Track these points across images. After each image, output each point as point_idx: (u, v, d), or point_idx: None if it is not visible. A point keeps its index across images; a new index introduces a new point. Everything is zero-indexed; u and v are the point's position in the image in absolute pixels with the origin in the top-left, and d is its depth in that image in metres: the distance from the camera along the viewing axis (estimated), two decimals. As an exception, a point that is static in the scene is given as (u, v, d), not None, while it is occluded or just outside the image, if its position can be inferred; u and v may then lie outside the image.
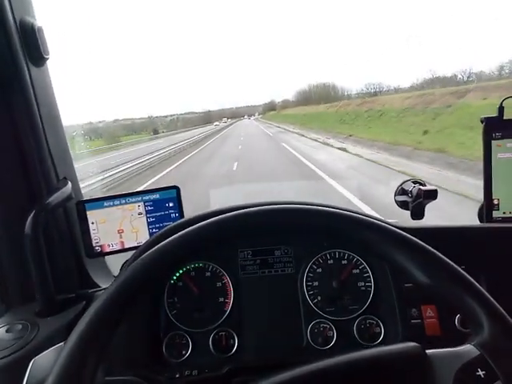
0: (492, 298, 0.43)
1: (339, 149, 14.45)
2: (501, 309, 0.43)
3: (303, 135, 24.10)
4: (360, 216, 0.51)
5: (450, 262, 0.46)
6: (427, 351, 0.43)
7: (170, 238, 0.52)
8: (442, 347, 0.45)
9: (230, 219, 0.54)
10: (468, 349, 0.43)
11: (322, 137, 20.12)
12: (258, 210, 0.54)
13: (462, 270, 0.45)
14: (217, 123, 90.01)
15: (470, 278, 0.45)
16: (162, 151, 17.86)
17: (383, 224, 0.50)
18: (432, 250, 0.47)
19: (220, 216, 0.54)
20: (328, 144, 16.79)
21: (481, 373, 0.41)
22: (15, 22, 0.75)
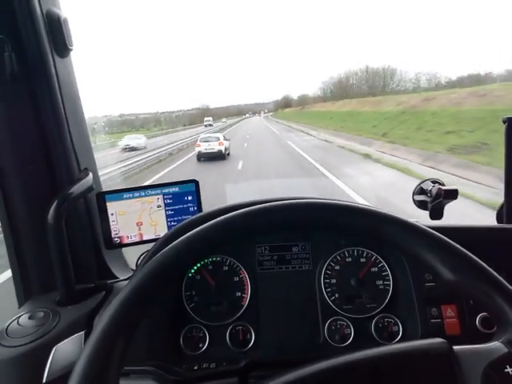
0: None
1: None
2: None
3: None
4: (387, 213, 0.51)
5: (476, 258, 0.46)
6: (454, 347, 0.43)
7: (188, 233, 0.52)
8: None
9: (256, 212, 0.54)
10: (496, 346, 0.43)
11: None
12: (279, 204, 0.54)
13: (489, 268, 0.45)
14: (208, 122, 60.46)
15: (498, 275, 0.45)
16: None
17: (410, 221, 0.50)
18: (458, 246, 0.47)
19: (245, 209, 0.54)
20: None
21: (509, 370, 0.40)
22: (42, 12, 0.76)
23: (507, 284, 0.44)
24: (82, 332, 0.74)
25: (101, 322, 0.43)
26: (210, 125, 55.87)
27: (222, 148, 14.24)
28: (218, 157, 14.06)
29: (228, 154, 14.85)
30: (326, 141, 19.38)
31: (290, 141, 20.54)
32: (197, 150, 14.55)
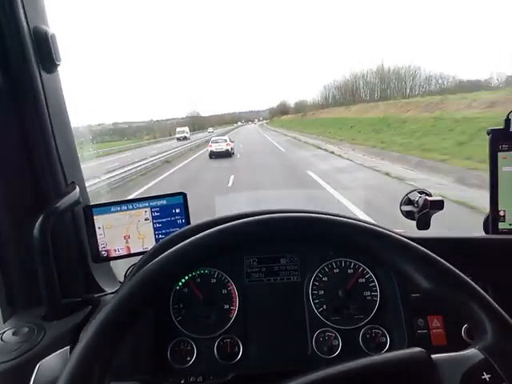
0: (494, 303, 0.44)
1: None
2: (503, 312, 0.43)
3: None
4: (363, 223, 0.52)
5: (451, 267, 0.47)
6: (432, 356, 0.44)
7: (176, 246, 0.52)
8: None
9: (240, 226, 0.54)
10: (473, 353, 0.44)
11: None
12: (266, 217, 0.55)
13: (464, 276, 0.46)
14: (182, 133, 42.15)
15: (473, 282, 0.46)
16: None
17: (386, 231, 0.51)
18: (434, 255, 0.48)
19: (231, 223, 0.54)
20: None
21: (486, 376, 0.41)
22: (29, 29, 0.77)
23: (481, 291, 0.45)
24: (68, 347, 0.73)
25: (85, 337, 0.43)
26: (185, 138, 40.11)
27: (229, 148, 17.99)
28: (226, 155, 17.69)
29: (233, 153, 18.32)
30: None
31: (318, 173, 10.21)
32: (209, 149, 18.29)
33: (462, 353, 0.45)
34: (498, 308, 0.44)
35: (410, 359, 0.44)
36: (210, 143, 18.61)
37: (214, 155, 17.78)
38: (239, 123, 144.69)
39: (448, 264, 0.47)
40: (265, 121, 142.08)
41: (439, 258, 0.47)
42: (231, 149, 18.16)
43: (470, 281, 0.46)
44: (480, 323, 0.44)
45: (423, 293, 0.47)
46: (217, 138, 19.60)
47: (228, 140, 18.58)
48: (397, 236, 0.50)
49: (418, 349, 0.45)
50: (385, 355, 0.46)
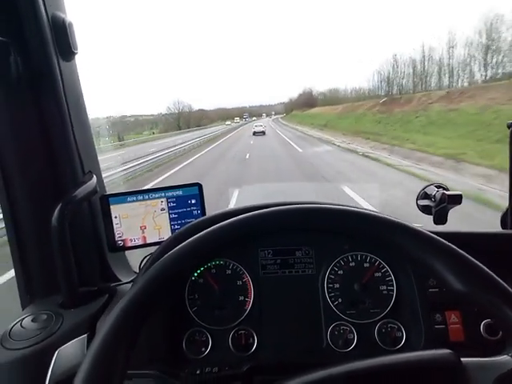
0: None
1: None
2: None
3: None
4: (396, 220, 0.51)
5: (487, 270, 0.45)
6: (462, 360, 0.43)
7: (192, 238, 0.53)
8: (467, 354, 0.44)
9: (256, 217, 0.54)
10: (505, 359, 0.43)
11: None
12: (285, 208, 0.55)
13: (499, 279, 0.45)
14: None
15: (508, 286, 0.44)
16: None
17: (420, 229, 0.50)
18: (469, 256, 0.46)
19: (249, 214, 0.54)
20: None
21: None
22: (47, 16, 0.77)
23: None
24: (85, 335, 0.74)
25: (104, 327, 0.43)
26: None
27: (264, 129, 34.39)
28: (263, 133, 32.98)
29: (265, 133, 32.98)
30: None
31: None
32: (252, 130, 34.25)
33: (493, 359, 0.43)
34: None
35: (439, 361, 0.43)
36: (254, 126, 35.12)
37: (256, 133, 32.53)
38: (236, 119, 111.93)
39: (482, 265, 0.46)
40: (279, 115, 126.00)
41: (472, 259, 0.46)
42: (265, 131, 33.85)
43: (504, 284, 0.44)
44: None
45: (455, 294, 0.45)
46: (259, 123, 36.52)
47: (264, 125, 36.74)
48: (432, 235, 0.49)
49: (447, 351, 0.44)
50: (414, 354, 0.45)
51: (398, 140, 16.91)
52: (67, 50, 0.82)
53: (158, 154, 16.15)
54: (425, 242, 0.49)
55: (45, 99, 0.79)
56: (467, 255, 0.47)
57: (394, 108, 25.33)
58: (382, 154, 14.01)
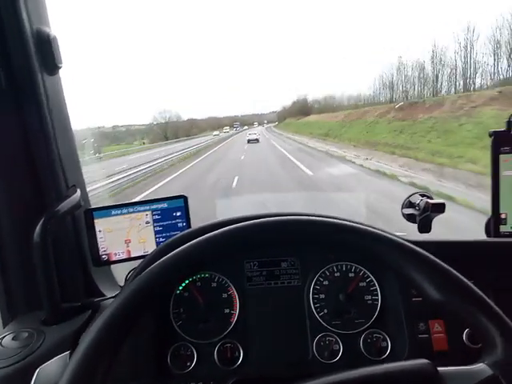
0: (506, 318, 0.43)
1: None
2: None
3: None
4: (376, 230, 0.52)
5: (464, 279, 0.46)
6: (439, 369, 0.43)
7: (177, 250, 0.52)
8: (450, 362, 0.45)
9: (241, 229, 0.54)
10: (481, 368, 0.43)
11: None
12: (269, 220, 0.55)
13: (476, 288, 0.45)
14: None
15: (485, 296, 0.45)
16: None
17: (399, 239, 0.50)
18: (446, 266, 0.47)
19: (233, 226, 0.54)
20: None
21: None
22: (32, 30, 0.77)
23: (494, 305, 0.45)
24: (67, 352, 0.73)
25: (84, 342, 0.43)
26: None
27: (258, 137, 34.31)
28: (256, 141, 32.63)
29: (259, 140, 32.91)
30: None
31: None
32: (246, 138, 33.71)
33: (469, 367, 0.44)
34: (509, 322, 0.43)
35: (415, 371, 0.44)
36: (248, 134, 36.01)
37: (249, 141, 32.16)
38: (226, 129, 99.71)
39: (459, 275, 0.46)
40: (271, 124, 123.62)
41: (450, 269, 0.47)
42: (259, 138, 33.73)
43: (481, 293, 0.45)
44: (490, 337, 0.43)
45: (433, 304, 0.46)
46: (252, 131, 38.43)
47: (258, 132, 38.71)
48: (409, 244, 0.50)
49: (423, 361, 0.44)
50: (390, 365, 0.45)
51: (444, 157, 12.23)
52: (51, 64, 0.82)
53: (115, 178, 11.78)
54: (402, 251, 0.50)
55: (28, 113, 0.79)
56: (444, 264, 0.48)
57: (416, 114, 19.95)
58: (434, 180, 9.14)
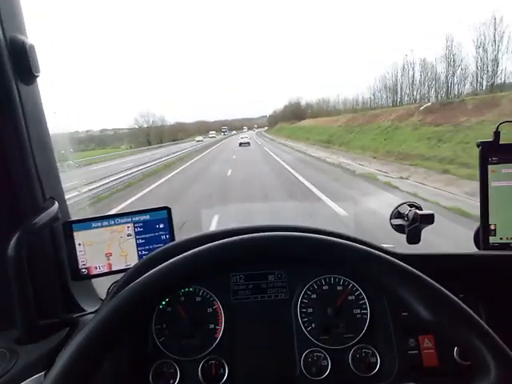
0: (497, 338, 0.42)
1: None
2: (509, 351, 0.41)
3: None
4: (363, 247, 0.50)
5: (453, 298, 0.45)
6: None
7: (159, 267, 0.51)
8: (440, 379, 0.44)
9: (224, 246, 0.53)
10: None
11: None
12: (253, 237, 0.53)
13: (468, 309, 0.44)
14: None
15: (477, 317, 0.44)
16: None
17: (387, 256, 0.49)
18: (436, 284, 0.46)
19: (219, 242, 0.53)
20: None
21: None
22: (6, 39, 0.74)
23: (486, 326, 0.43)
24: (42, 373, 0.69)
25: (61, 360, 0.41)
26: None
27: (249, 141, 38.23)
28: (248, 144, 35.90)
29: (250, 144, 36.06)
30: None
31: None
32: (239, 141, 37.40)
33: None
34: (504, 346, 0.42)
35: None
36: (240, 137, 41.16)
37: (241, 144, 35.45)
38: (212, 133, 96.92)
39: (450, 294, 0.45)
40: (262, 129, 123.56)
41: (441, 288, 0.46)
42: (249, 142, 37.42)
43: (473, 314, 0.44)
44: (482, 359, 0.42)
45: (422, 323, 0.45)
46: (244, 135, 41.69)
47: (249, 136, 44.90)
48: (398, 262, 0.48)
49: None
50: None
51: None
52: (27, 73, 0.79)
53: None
54: (392, 270, 0.48)
55: (2, 124, 0.76)
56: (433, 283, 0.46)
57: (455, 116, 15.45)
58: None
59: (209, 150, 34.40)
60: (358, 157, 16.69)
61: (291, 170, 13.18)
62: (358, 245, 0.52)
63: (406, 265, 0.48)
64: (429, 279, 0.47)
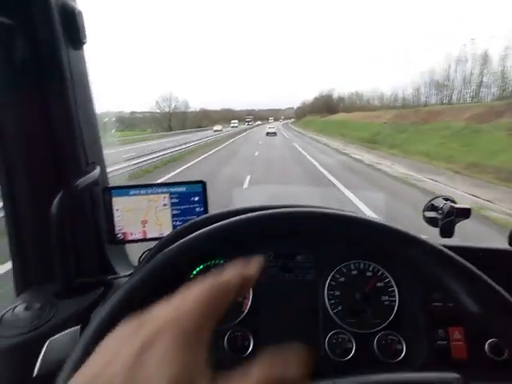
0: None
1: None
2: None
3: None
4: (411, 233, 0.49)
5: (504, 292, 0.43)
6: None
7: (194, 234, 0.51)
8: (469, 372, 0.43)
9: (263, 217, 0.53)
10: None
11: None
12: (294, 210, 0.53)
13: None
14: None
15: None
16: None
17: (436, 244, 0.48)
18: (486, 277, 0.44)
19: (252, 214, 0.53)
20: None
21: None
22: (57, 3, 0.76)
23: None
24: (78, 327, 0.73)
25: (96, 318, 0.42)
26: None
27: (276, 131, 42.24)
28: (274, 133, 39.95)
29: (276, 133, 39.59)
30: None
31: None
32: (265, 131, 41.41)
33: None
34: None
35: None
36: (268, 128, 42.79)
37: (268, 134, 38.75)
38: (234, 122, 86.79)
39: (499, 287, 0.44)
40: (288, 120, 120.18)
41: (490, 280, 0.44)
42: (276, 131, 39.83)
43: None
44: None
45: (470, 316, 0.44)
46: (271, 125, 46.69)
47: (275, 127, 45.81)
48: (450, 253, 0.47)
49: (455, 375, 0.42)
50: (419, 375, 0.43)
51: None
52: (76, 38, 0.81)
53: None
54: (442, 260, 0.47)
55: (50, 87, 0.78)
56: (485, 276, 0.45)
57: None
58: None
59: (227, 142, 28.07)
60: (424, 167, 12.30)
61: (344, 190, 8.02)
62: (403, 230, 0.51)
63: (455, 255, 0.47)
64: (478, 271, 0.45)
